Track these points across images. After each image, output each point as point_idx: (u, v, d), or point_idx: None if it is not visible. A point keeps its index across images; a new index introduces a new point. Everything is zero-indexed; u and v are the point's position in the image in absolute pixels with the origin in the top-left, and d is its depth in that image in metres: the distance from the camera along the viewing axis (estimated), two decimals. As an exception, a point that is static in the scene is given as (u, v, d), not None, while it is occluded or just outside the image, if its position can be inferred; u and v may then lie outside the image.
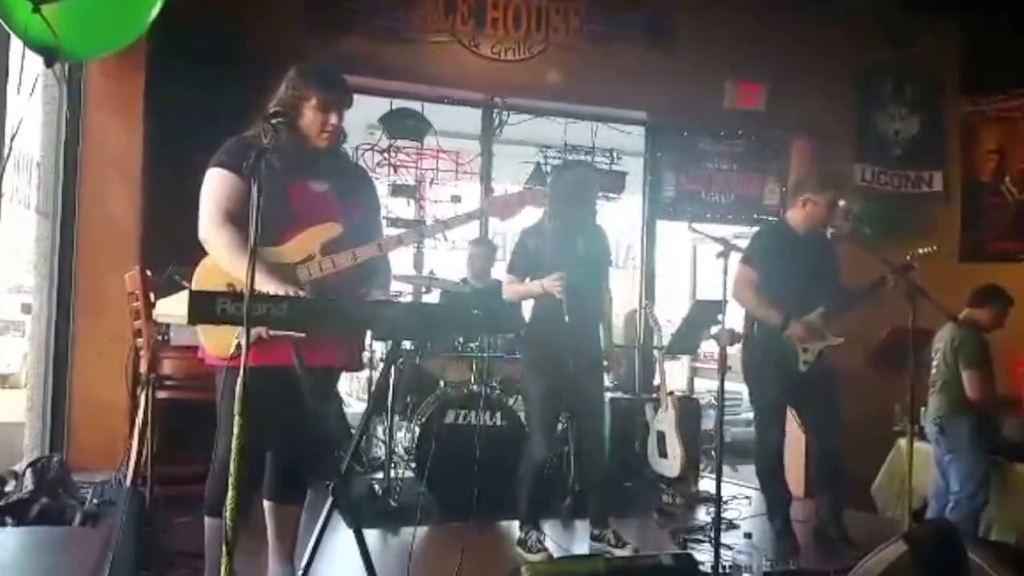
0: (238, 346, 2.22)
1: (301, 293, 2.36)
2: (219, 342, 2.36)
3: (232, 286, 2.37)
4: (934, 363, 4.50)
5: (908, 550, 2.61)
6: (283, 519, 2.66)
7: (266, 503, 2.65)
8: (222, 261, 2.45)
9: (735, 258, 3.46)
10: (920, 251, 3.84)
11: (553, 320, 3.67)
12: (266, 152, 2.07)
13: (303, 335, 2.23)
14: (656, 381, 5.24)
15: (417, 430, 4.46)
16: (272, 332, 2.19)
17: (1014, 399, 5.01)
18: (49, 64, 3.50)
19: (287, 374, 2.29)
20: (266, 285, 2.24)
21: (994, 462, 4.43)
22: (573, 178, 3.85)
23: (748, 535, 4.22)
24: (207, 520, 2.52)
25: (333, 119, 2.54)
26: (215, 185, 2.51)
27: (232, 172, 2.48)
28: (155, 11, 3.60)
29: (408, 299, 5.04)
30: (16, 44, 3.42)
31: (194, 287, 2.44)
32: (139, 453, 3.71)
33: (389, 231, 4.94)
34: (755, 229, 4.75)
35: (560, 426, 4.33)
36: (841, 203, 5.38)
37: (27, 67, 3.61)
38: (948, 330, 4.44)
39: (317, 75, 2.58)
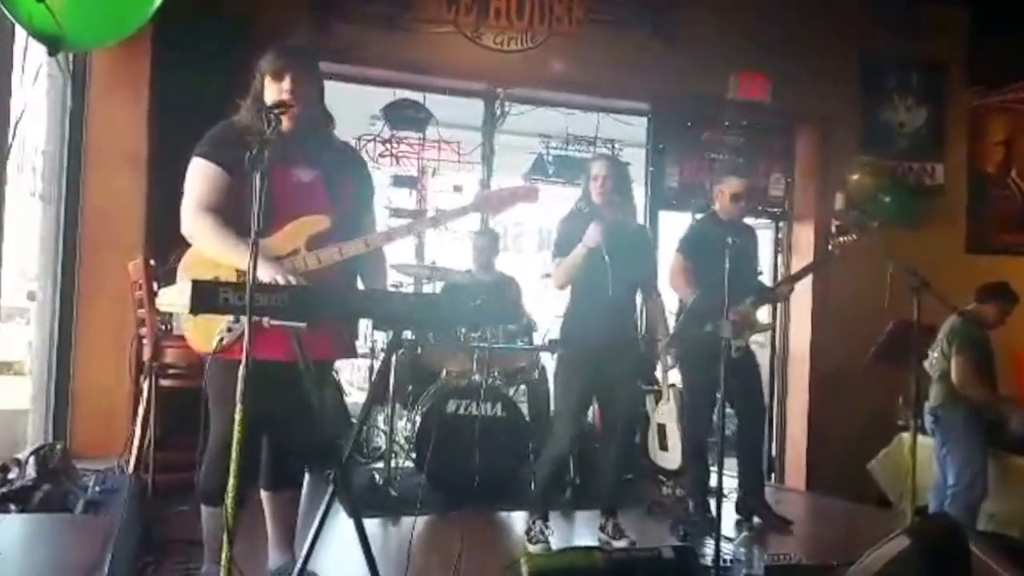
0: (220, 340, 2.23)
1: (296, 282, 2.33)
2: (204, 335, 2.35)
3: (218, 278, 2.34)
4: (934, 354, 4.52)
5: (911, 544, 2.62)
6: (280, 507, 2.67)
7: (263, 493, 2.65)
8: (208, 252, 2.41)
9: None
10: (841, 240, 4.06)
11: (589, 311, 3.66)
12: (268, 143, 2.05)
13: (303, 325, 2.22)
14: (657, 373, 5.23)
15: (418, 420, 4.46)
16: (272, 322, 2.16)
17: (1020, 396, 5.02)
18: (53, 53, 3.51)
19: (275, 369, 2.23)
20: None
21: (995, 455, 4.44)
22: (596, 170, 3.81)
23: (750, 528, 4.23)
24: (203, 509, 2.53)
25: (286, 85, 2.42)
26: (196, 177, 2.46)
27: (213, 163, 2.44)
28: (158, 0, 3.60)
29: (410, 289, 5.04)
30: (21, 31, 3.42)
31: (179, 280, 2.40)
32: (141, 441, 3.73)
33: (390, 221, 4.97)
34: (758, 221, 4.77)
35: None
36: (839, 200, 5.45)
37: (32, 54, 3.62)
38: (949, 321, 4.46)
39: (271, 50, 2.50)
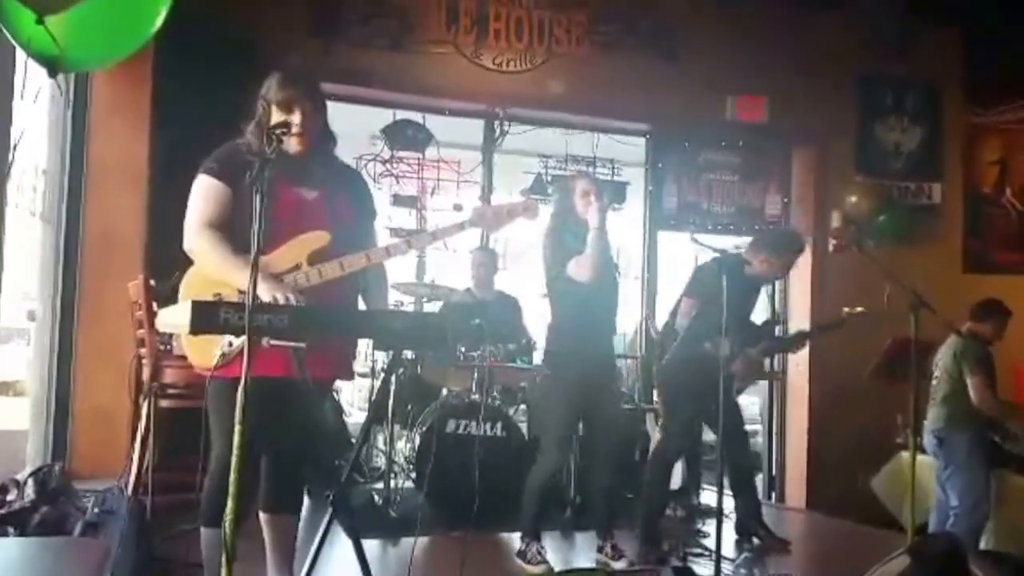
0: (222, 356, 2.23)
1: (295, 301, 2.33)
2: (203, 351, 2.35)
3: (219, 295, 2.35)
4: (935, 375, 4.51)
5: (911, 564, 2.61)
6: (279, 529, 2.65)
7: (261, 515, 2.64)
8: (208, 269, 2.42)
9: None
10: (847, 311, 4.13)
11: (574, 331, 3.70)
12: (269, 163, 2.07)
13: (303, 345, 2.22)
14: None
15: (417, 439, 4.46)
16: (273, 342, 2.16)
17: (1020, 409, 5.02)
18: (52, 75, 3.52)
19: (276, 385, 2.24)
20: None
21: (995, 473, 4.43)
22: (572, 188, 3.84)
23: (749, 549, 4.21)
24: (202, 531, 2.51)
25: (295, 118, 2.44)
26: (200, 193, 2.48)
27: (218, 180, 2.46)
28: (159, 22, 3.62)
29: (410, 308, 5.05)
30: (22, 52, 3.44)
31: (181, 299, 2.41)
32: (141, 462, 3.71)
33: (391, 241, 4.98)
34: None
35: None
36: (835, 219, 5.48)
37: (33, 75, 3.63)
38: (951, 342, 4.45)
39: (275, 77, 2.52)
